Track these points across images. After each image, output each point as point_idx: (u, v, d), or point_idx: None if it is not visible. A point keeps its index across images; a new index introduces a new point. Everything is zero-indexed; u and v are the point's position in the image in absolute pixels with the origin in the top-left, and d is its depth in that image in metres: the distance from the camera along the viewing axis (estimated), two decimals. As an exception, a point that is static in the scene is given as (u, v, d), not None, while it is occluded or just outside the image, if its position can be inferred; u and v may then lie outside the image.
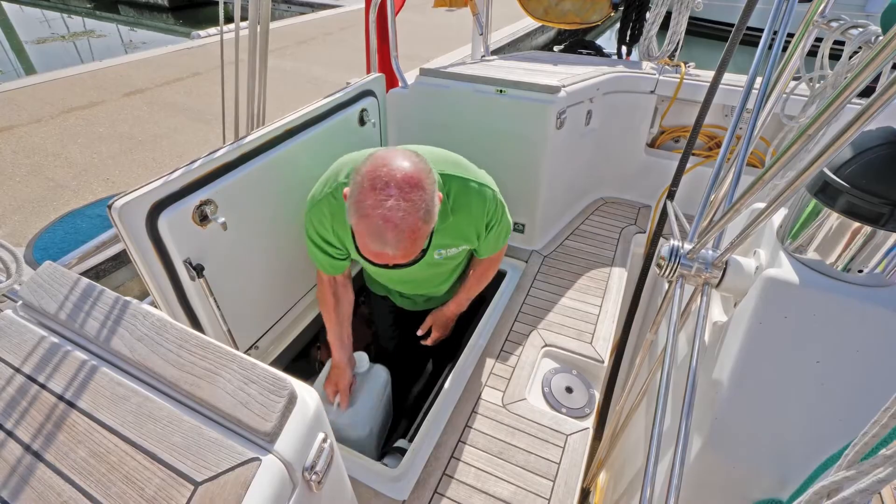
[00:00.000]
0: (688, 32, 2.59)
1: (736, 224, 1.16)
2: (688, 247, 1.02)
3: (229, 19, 1.82)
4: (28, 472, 0.62)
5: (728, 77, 2.00)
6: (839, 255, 0.84)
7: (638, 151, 2.57)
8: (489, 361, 1.68)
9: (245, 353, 0.71)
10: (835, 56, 1.47)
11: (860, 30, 1.31)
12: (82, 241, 1.96)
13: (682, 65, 2.44)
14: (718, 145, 2.53)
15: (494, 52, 3.08)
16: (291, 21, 9.62)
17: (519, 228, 2.22)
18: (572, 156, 2.24)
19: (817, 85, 1.63)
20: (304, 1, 11.66)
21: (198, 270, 1.28)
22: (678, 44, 2.53)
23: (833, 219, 0.83)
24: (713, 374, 1.01)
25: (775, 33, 1.10)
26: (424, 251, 1.29)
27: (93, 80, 6.08)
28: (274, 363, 1.73)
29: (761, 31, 1.10)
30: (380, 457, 1.55)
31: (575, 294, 1.99)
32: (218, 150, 1.33)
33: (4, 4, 13.59)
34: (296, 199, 1.63)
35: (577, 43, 3.54)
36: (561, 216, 2.43)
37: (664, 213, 1.92)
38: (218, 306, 1.37)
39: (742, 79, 2.26)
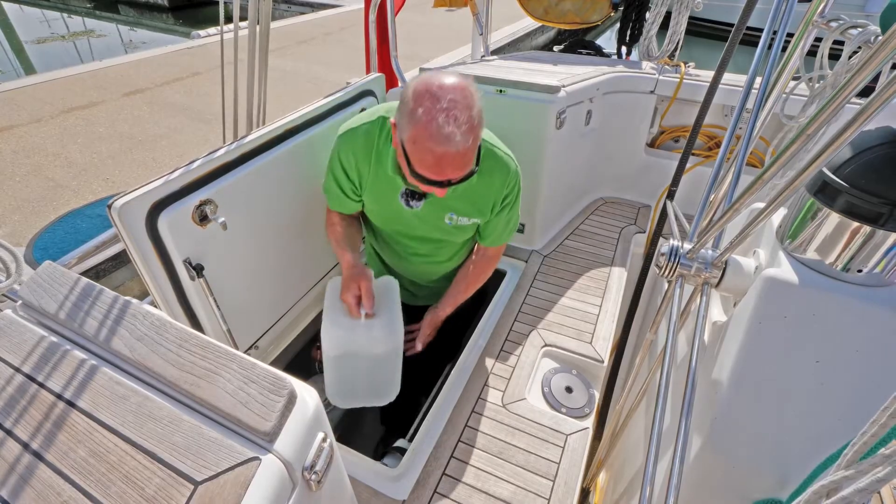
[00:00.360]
0: (688, 32, 2.59)
1: (735, 224, 1.16)
2: (687, 246, 1.02)
3: (229, 19, 1.82)
4: (28, 472, 0.62)
5: (728, 77, 2.00)
6: (838, 255, 0.84)
7: (638, 151, 2.57)
8: (489, 361, 1.68)
9: (245, 352, 0.71)
10: (834, 56, 1.47)
11: (859, 30, 1.31)
12: (82, 241, 1.96)
13: (682, 65, 2.44)
14: (718, 145, 2.53)
15: (494, 52, 3.08)
16: (291, 21, 9.63)
17: (519, 228, 2.22)
18: (572, 156, 2.24)
19: (817, 85, 1.64)
20: (304, 1, 11.66)
21: (197, 270, 1.28)
22: (678, 44, 2.53)
23: (832, 218, 0.83)
24: (713, 374, 1.01)
25: (775, 33, 1.11)
26: (472, 173, 1.21)
27: (93, 80, 6.09)
28: (274, 363, 1.73)
29: (761, 30, 1.10)
30: (380, 456, 1.55)
31: (575, 294, 1.99)
32: (218, 149, 1.33)
33: (4, 4, 13.59)
34: (296, 199, 1.63)
35: (577, 43, 3.54)
36: (561, 216, 2.43)
37: (664, 213, 1.93)
38: (218, 306, 1.37)
39: (742, 79, 2.26)
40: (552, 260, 2.18)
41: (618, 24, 3.31)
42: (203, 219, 1.28)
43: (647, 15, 2.87)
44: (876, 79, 1.25)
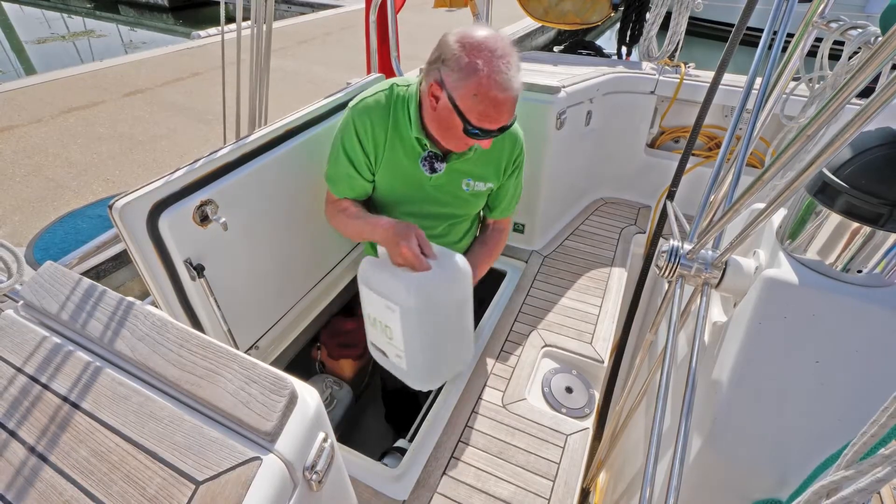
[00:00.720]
0: (688, 33, 2.59)
1: (735, 224, 1.16)
2: (687, 247, 1.02)
3: (230, 19, 1.82)
4: (30, 472, 0.62)
5: (728, 77, 2.00)
6: (838, 256, 0.84)
7: (638, 152, 2.57)
8: (489, 361, 1.68)
9: (245, 352, 0.71)
10: (834, 56, 1.47)
11: (859, 30, 1.31)
12: (83, 242, 1.96)
13: (682, 65, 2.44)
14: (718, 146, 2.53)
15: (494, 53, 3.07)
16: (292, 21, 9.63)
17: (519, 228, 2.22)
18: (572, 156, 2.24)
19: (817, 85, 1.64)
20: (304, 1, 11.67)
21: (198, 270, 1.29)
22: (678, 44, 2.54)
23: (832, 219, 0.83)
24: (713, 375, 1.01)
25: (775, 34, 1.11)
26: (514, 117, 1.23)
27: (93, 80, 6.09)
28: (274, 363, 1.73)
29: (761, 31, 1.10)
30: (380, 456, 1.55)
31: (575, 294, 1.99)
32: (219, 150, 1.33)
33: (4, 4, 13.59)
34: (297, 199, 1.63)
35: (577, 43, 3.55)
36: (561, 216, 2.43)
37: (664, 214, 1.93)
38: (218, 306, 1.37)
39: (742, 79, 2.26)
40: (552, 260, 2.18)
41: (618, 25, 3.31)
42: (204, 219, 1.28)
43: (647, 15, 2.87)
44: (876, 79, 1.26)
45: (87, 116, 5.16)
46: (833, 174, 0.82)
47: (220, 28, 2.00)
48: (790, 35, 1.13)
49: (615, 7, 3.10)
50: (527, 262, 2.17)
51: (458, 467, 1.36)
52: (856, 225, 0.80)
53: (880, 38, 0.89)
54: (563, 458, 1.39)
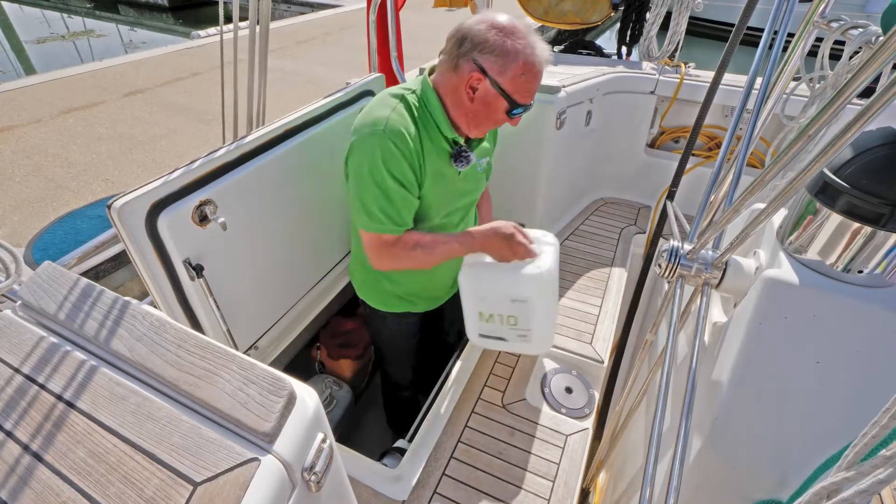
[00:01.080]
0: (688, 32, 2.59)
1: (736, 224, 1.16)
2: (688, 247, 1.02)
3: (229, 19, 1.82)
4: (27, 472, 0.62)
5: (728, 77, 2.00)
6: (839, 256, 0.84)
7: (638, 152, 2.57)
8: (489, 361, 1.68)
9: (244, 353, 0.71)
10: (835, 56, 1.47)
11: (860, 30, 1.31)
12: (82, 242, 1.96)
13: (682, 65, 2.44)
14: (718, 146, 2.53)
15: (494, 53, 3.07)
16: (291, 21, 9.63)
17: (519, 228, 2.22)
18: (572, 156, 2.24)
19: (817, 85, 1.64)
20: (304, 1, 11.67)
21: (197, 270, 1.28)
22: (678, 44, 2.53)
23: (833, 219, 0.83)
24: (713, 375, 1.01)
25: (775, 33, 1.10)
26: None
27: (92, 80, 6.08)
28: (273, 363, 1.73)
29: (761, 31, 1.10)
30: (380, 456, 1.54)
31: (575, 294, 1.99)
32: (218, 149, 1.33)
33: (4, 4, 13.59)
34: (296, 199, 1.63)
35: (577, 43, 3.54)
36: (561, 216, 2.43)
37: (664, 214, 1.93)
38: (217, 306, 1.37)
39: (742, 79, 2.26)
40: (552, 260, 2.18)
41: (618, 25, 3.31)
42: (203, 219, 1.28)
43: (648, 15, 2.86)
44: (877, 79, 1.25)
45: (87, 116, 5.16)
46: (834, 174, 0.82)
47: (219, 28, 2.00)
48: (791, 35, 1.13)
49: (615, 7, 3.09)
50: None
51: (457, 468, 1.36)
52: (856, 225, 0.80)
53: (881, 38, 0.89)
54: (562, 459, 1.39)
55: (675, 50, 2.55)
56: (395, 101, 1.24)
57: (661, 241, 1.97)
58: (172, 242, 1.22)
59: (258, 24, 1.72)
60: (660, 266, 1.03)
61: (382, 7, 2.14)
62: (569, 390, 1.61)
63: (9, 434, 0.65)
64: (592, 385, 1.64)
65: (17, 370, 0.72)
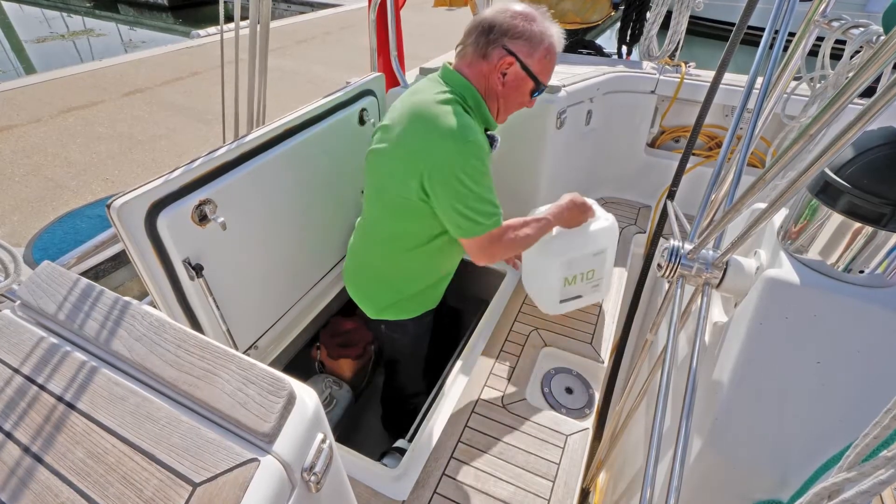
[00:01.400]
0: (688, 32, 2.58)
1: (736, 224, 1.16)
2: (688, 247, 1.01)
3: (229, 18, 1.82)
4: (25, 473, 0.61)
5: (728, 77, 2.00)
6: (840, 256, 0.84)
7: (638, 151, 2.57)
8: (489, 361, 1.68)
9: (244, 353, 0.71)
10: (836, 56, 1.46)
11: (861, 29, 1.31)
12: (82, 242, 1.96)
13: (683, 64, 2.44)
14: (719, 145, 2.52)
15: (494, 52, 3.07)
16: (291, 20, 9.63)
17: (519, 228, 2.21)
18: (572, 156, 2.24)
19: (818, 85, 1.63)
20: (304, 0, 11.66)
21: (197, 270, 1.28)
22: (678, 43, 2.53)
23: (834, 219, 0.83)
24: (713, 375, 1.01)
25: (776, 33, 1.10)
26: None
27: (92, 80, 6.08)
28: (273, 363, 1.73)
29: (762, 30, 1.10)
30: (380, 456, 1.54)
31: (575, 294, 1.98)
32: (217, 149, 1.33)
33: (4, 3, 13.58)
34: (296, 199, 1.62)
35: (577, 43, 3.53)
36: (561, 216, 2.42)
37: (664, 213, 1.92)
38: (217, 306, 1.37)
39: (743, 79, 2.26)
40: (552, 260, 2.17)
41: (618, 24, 3.30)
42: (202, 219, 1.28)
43: (648, 14, 2.86)
44: (878, 79, 1.25)
45: (87, 116, 5.16)
46: (835, 174, 0.81)
47: (219, 27, 2.00)
48: (791, 34, 1.13)
49: (615, 6, 3.09)
50: None
51: (457, 467, 1.36)
52: (858, 225, 0.80)
53: (882, 38, 0.89)
54: (562, 459, 1.38)
55: (676, 49, 2.54)
56: (450, 109, 1.22)
57: (662, 240, 1.97)
58: (172, 242, 1.22)
59: (258, 23, 1.72)
60: (660, 266, 1.03)
61: (382, 7, 2.13)
62: (569, 390, 1.61)
63: (7, 434, 0.65)
64: (592, 385, 1.64)
65: (16, 370, 0.72)
